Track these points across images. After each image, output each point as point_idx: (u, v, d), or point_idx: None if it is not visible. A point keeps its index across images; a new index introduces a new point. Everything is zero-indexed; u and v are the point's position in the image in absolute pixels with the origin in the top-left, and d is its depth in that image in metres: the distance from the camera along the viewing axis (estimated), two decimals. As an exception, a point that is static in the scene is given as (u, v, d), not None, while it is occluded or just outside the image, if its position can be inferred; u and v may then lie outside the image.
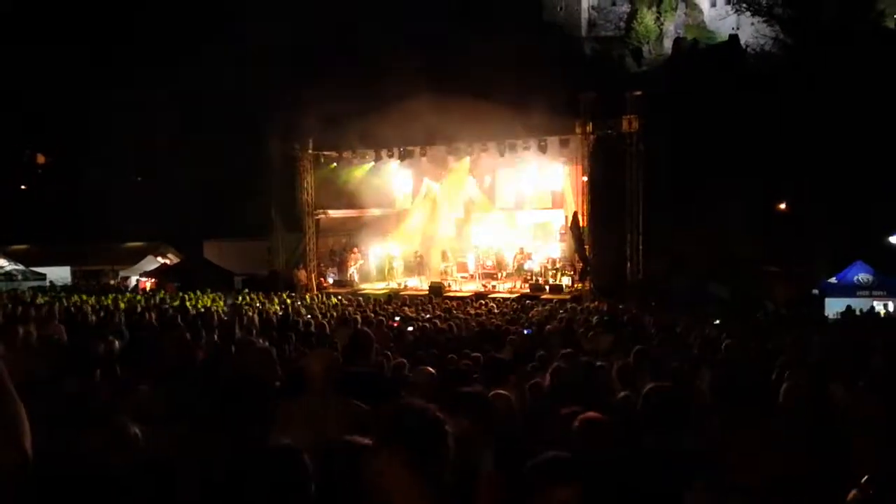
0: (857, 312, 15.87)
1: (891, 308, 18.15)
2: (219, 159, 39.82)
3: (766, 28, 48.98)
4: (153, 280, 27.07)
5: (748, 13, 51.87)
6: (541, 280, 22.55)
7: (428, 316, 14.33)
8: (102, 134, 44.35)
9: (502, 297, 20.24)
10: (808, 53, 38.36)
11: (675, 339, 9.35)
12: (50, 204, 41.23)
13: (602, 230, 21.42)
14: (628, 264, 21.29)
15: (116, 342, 7.02)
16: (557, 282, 22.25)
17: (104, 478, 2.26)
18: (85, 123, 44.79)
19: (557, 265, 23.17)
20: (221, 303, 16.71)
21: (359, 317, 12.95)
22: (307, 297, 20.88)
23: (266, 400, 4.15)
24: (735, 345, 7.77)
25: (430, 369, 5.12)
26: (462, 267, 24.92)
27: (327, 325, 10.99)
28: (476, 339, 9.92)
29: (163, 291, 22.37)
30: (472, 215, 27.01)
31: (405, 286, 23.95)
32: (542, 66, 41.94)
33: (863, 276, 18.89)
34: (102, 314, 11.96)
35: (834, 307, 17.38)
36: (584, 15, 68.99)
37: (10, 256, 29.82)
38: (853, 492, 1.98)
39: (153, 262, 31.91)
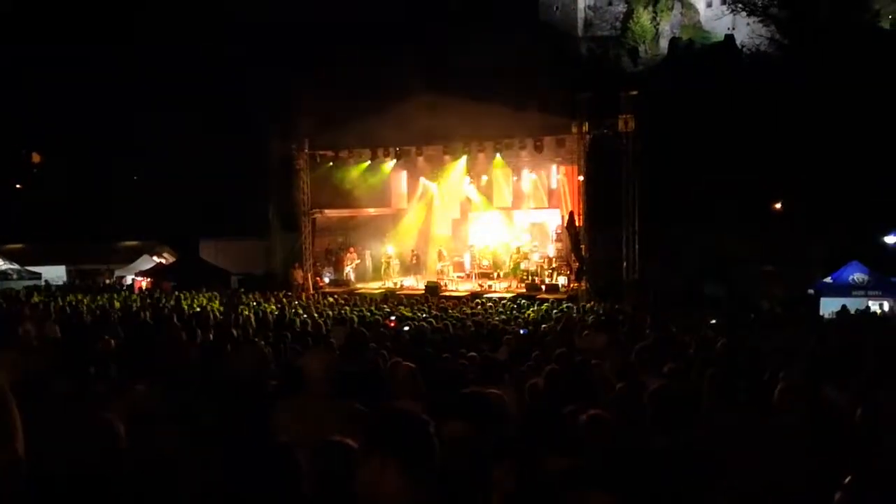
0: (853, 312, 15.88)
1: (886, 308, 18.16)
2: (215, 158, 39.74)
3: (762, 28, 49.15)
4: (149, 279, 26.98)
5: (744, 13, 52.06)
6: (537, 280, 22.56)
7: (424, 315, 14.33)
8: (98, 133, 44.28)
9: (498, 297, 20.25)
10: (803, 53, 38.45)
11: (670, 339, 9.37)
12: (45, 203, 41.06)
13: (598, 230, 21.44)
14: (624, 264, 21.32)
15: (112, 341, 7.01)
16: (553, 281, 22.27)
17: (94, 477, 2.26)
18: (81, 123, 44.66)
19: (553, 265, 23.19)
20: (217, 303, 16.68)
21: (355, 316, 12.95)
22: (303, 296, 20.86)
23: (262, 399, 4.16)
24: (730, 344, 7.79)
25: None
26: (458, 266, 24.93)
27: (323, 325, 11.00)
28: (472, 339, 9.93)
29: (158, 290, 22.32)
30: (468, 215, 27.05)
31: (401, 286, 23.95)
32: (539, 65, 42.00)
33: (858, 276, 18.88)
34: (98, 313, 11.95)
35: (829, 307, 17.36)
36: (581, 15, 69.07)
37: (5, 255, 29.68)
38: (838, 493, 1.99)
39: (149, 262, 31.83)
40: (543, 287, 21.77)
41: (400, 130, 22.39)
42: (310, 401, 4.15)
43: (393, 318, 13.72)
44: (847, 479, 1.99)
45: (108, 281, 29.75)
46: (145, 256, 32.74)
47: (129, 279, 29.72)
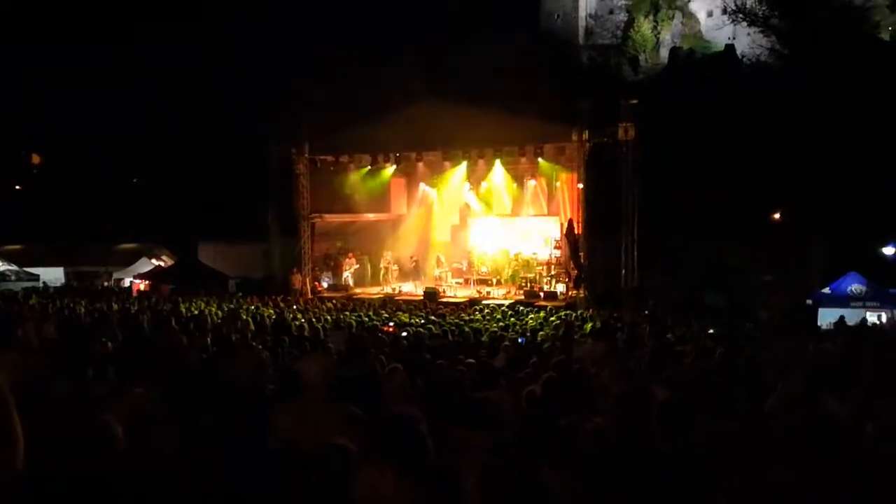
0: (850, 323, 15.86)
1: (884, 319, 18.14)
2: (214, 161, 39.77)
3: (763, 38, 49.21)
4: (147, 282, 26.93)
5: (745, 23, 52.11)
6: (535, 287, 22.56)
7: (422, 321, 14.32)
8: (98, 134, 44.28)
9: (497, 304, 20.24)
10: (803, 64, 38.54)
11: (669, 348, 9.37)
12: (44, 204, 41.04)
13: (597, 238, 21.45)
14: (623, 272, 21.31)
15: (109, 343, 7.00)
16: (552, 289, 22.27)
17: (93, 478, 2.26)
18: (81, 123, 44.68)
19: (552, 272, 23.20)
20: (215, 307, 16.64)
21: (353, 321, 12.94)
22: (301, 301, 20.84)
23: (260, 403, 4.16)
24: (729, 354, 7.79)
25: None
26: (457, 272, 24.93)
27: (321, 330, 11.00)
28: (470, 345, 9.93)
29: (156, 293, 22.27)
30: (467, 221, 27.08)
31: (400, 291, 23.96)
32: (540, 73, 42.06)
33: (856, 287, 18.87)
34: (96, 315, 11.93)
35: (827, 317, 17.33)
36: (582, 23, 69.26)
37: (4, 257, 29.66)
38: None
39: (147, 264, 31.77)
40: (542, 294, 21.76)
41: (400, 136, 22.45)
42: (308, 404, 4.15)
43: (391, 323, 13.71)
44: None
45: (106, 283, 29.69)
46: (144, 259, 32.66)
47: (127, 282, 29.68)
